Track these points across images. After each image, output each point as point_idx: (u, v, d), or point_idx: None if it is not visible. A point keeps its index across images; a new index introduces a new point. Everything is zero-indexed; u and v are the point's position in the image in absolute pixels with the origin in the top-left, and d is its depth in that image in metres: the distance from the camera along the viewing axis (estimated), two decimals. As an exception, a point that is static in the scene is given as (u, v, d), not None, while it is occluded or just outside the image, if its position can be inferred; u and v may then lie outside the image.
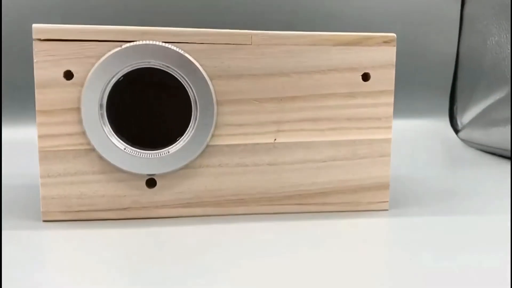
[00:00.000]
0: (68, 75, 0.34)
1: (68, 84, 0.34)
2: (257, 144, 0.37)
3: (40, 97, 0.34)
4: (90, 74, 0.34)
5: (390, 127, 0.38)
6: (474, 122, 0.73)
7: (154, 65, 0.35)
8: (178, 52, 0.35)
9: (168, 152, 0.35)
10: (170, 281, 0.27)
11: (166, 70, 0.35)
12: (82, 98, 0.34)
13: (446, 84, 0.82)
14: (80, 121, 0.35)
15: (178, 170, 0.36)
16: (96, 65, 0.34)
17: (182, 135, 0.36)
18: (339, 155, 0.38)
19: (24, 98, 0.72)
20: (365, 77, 0.37)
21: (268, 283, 0.27)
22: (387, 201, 0.39)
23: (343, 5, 0.80)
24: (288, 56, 0.36)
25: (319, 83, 0.37)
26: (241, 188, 0.37)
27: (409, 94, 0.82)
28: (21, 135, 0.68)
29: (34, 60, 0.34)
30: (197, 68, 0.35)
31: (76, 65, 0.34)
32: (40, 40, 0.34)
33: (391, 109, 0.38)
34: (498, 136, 0.65)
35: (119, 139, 0.35)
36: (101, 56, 0.34)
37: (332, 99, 0.37)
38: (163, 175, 0.36)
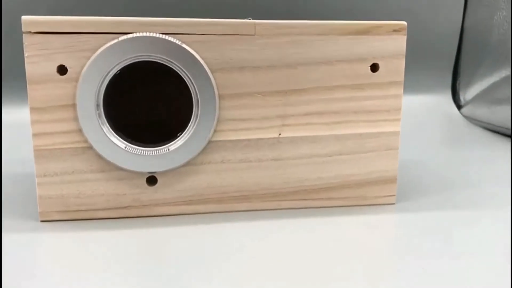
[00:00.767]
0: (62, 70, 0.33)
1: (62, 79, 0.33)
2: (261, 139, 0.35)
3: (33, 93, 0.32)
4: (85, 68, 0.32)
5: (398, 120, 0.37)
6: (477, 99, 0.72)
7: (152, 58, 0.33)
8: (177, 44, 0.33)
9: (168, 149, 0.34)
10: (172, 283, 0.26)
11: (165, 63, 0.33)
12: (77, 94, 0.32)
13: (449, 58, 0.80)
14: (76, 118, 0.33)
15: (179, 167, 0.35)
16: (91, 59, 0.32)
17: (182, 130, 0.34)
18: (345, 149, 0.37)
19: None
20: (374, 67, 0.36)
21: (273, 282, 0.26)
22: (394, 195, 0.38)
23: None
24: (294, 46, 0.34)
25: (326, 75, 0.35)
26: (245, 185, 0.36)
27: (409, 67, 0.81)
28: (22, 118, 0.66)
29: (25, 55, 0.32)
30: (198, 60, 0.33)
31: (70, 59, 0.32)
32: (30, 33, 0.32)
33: (400, 101, 0.37)
34: (502, 115, 0.63)
35: (119, 138, 0.33)
36: (96, 50, 0.32)
37: (339, 91, 0.36)
38: (164, 173, 0.35)
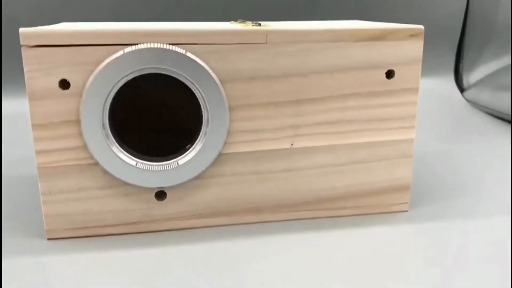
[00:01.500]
0: (64, 84, 0.31)
1: (64, 94, 0.31)
2: (273, 150, 0.34)
3: (35, 110, 0.31)
4: (88, 83, 0.31)
5: (413, 127, 0.36)
6: (482, 83, 0.70)
7: (159, 70, 0.31)
8: (185, 55, 0.31)
9: (178, 163, 0.33)
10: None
11: (173, 75, 0.31)
12: (81, 110, 0.31)
13: (453, 39, 0.78)
14: (80, 134, 0.32)
15: (189, 181, 0.33)
16: (95, 73, 0.30)
17: (191, 142, 0.33)
18: (359, 158, 0.36)
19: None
20: (389, 74, 0.34)
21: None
22: (407, 202, 0.37)
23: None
24: (307, 54, 0.33)
25: (340, 83, 0.34)
26: (256, 197, 0.35)
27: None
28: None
29: (25, 69, 0.30)
30: (207, 71, 0.32)
31: (72, 73, 0.31)
32: (29, 46, 0.30)
33: (415, 108, 0.35)
34: (507, 101, 0.62)
35: (127, 154, 0.32)
36: (99, 62, 0.31)
37: (353, 99, 0.34)
38: (173, 187, 0.34)
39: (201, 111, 0.32)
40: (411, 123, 0.36)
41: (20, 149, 0.52)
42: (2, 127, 0.61)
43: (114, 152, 0.32)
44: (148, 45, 0.31)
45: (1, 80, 0.69)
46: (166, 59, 0.31)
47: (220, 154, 0.34)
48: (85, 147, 0.32)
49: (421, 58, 0.34)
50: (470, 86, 0.74)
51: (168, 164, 0.33)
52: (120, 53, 0.30)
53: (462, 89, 0.76)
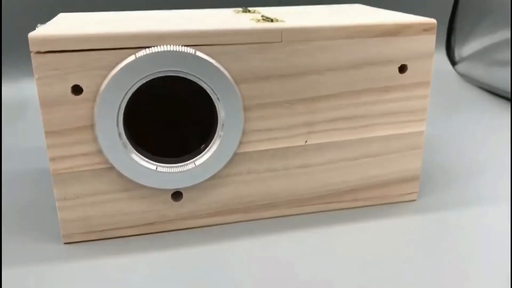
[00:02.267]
0: (77, 90, 0.30)
1: (77, 100, 0.30)
2: (287, 148, 0.34)
3: (47, 117, 0.30)
4: (102, 89, 0.30)
5: (424, 120, 0.36)
6: (474, 57, 0.71)
7: (174, 73, 0.30)
8: (199, 57, 0.30)
9: (195, 164, 0.32)
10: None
11: (187, 77, 0.31)
12: (96, 116, 0.30)
13: (444, 11, 0.78)
14: (94, 140, 0.31)
15: (205, 181, 0.33)
16: (109, 78, 0.30)
17: (206, 142, 0.33)
18: (371, 151, 0.36)
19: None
20: (402, 69, 0.34)
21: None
22: (416, 192, 0.38)
23: None
24: (322, 52, 0.32)
25: (354, 79, 0.34)
26: (271, 193, 0.35)
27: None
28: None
29: (35, 76, 0.29)
30: (222, 72, 0.31)
31: (84, 78, 0.30)
32: (40, 53, 0.29)
33: (426, 101, 0.36)
34: (501, 77, 0.63)
35: (147, 159, 0.32)
36: (112, 66, 0.30)
37: (366, 95, 0.34)
38: (190, 187, 0.33)
39: (216, 112, 0.32)
40: (422, 116, 0.36)
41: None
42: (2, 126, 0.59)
43: (132, 158, 0.31)
44: (161, 49, 0.30)
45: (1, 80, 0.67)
46: (179, 61, 0.30)
47: (236, 154, 0.33)
48: (99, 152, 0.31)
49: (433, 52, 0.34)
50: (462, 60, 0.74)
51: (185, 165, 0.32)
52: (132, 58, 0.30)
53: (454, 62, 0.77)
